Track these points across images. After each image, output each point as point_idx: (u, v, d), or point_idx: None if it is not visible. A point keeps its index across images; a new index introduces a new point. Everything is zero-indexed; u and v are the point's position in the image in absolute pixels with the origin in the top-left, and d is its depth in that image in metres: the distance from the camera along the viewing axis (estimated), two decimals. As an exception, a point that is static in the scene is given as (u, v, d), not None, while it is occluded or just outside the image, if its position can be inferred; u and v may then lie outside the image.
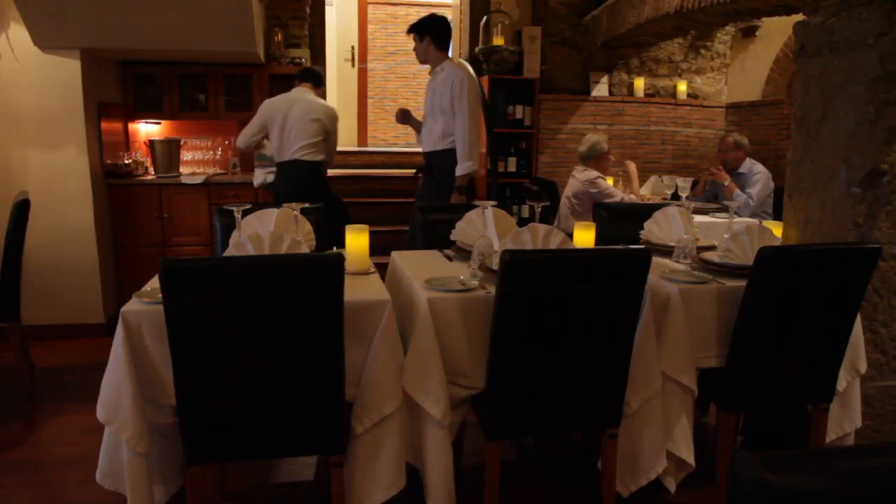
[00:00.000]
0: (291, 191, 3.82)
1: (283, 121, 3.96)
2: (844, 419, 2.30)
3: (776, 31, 5.97)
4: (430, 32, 3.61)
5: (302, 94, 4.08)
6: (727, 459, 2.15)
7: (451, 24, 4.12)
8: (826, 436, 2.24)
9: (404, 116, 3.80)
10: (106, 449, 1.83)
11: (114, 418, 1.75)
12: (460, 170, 3.58)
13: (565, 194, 4.12)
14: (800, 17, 2.61)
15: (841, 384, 2.22)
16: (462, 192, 3.62)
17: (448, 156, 3.63)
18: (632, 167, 4.31)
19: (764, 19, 5.35)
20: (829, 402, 2.20)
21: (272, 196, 4.18)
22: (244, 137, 4.05)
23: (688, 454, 2.13)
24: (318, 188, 4.06)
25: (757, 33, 6.10)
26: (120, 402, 1.74)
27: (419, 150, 3.93)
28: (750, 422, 2.69)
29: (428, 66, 3.74)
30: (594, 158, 4.02)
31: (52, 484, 2.39)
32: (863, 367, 2.28)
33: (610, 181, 4.16)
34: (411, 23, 3.69)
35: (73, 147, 3.86)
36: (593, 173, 3.97)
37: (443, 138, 3.63)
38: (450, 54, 3.80)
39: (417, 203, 3.04)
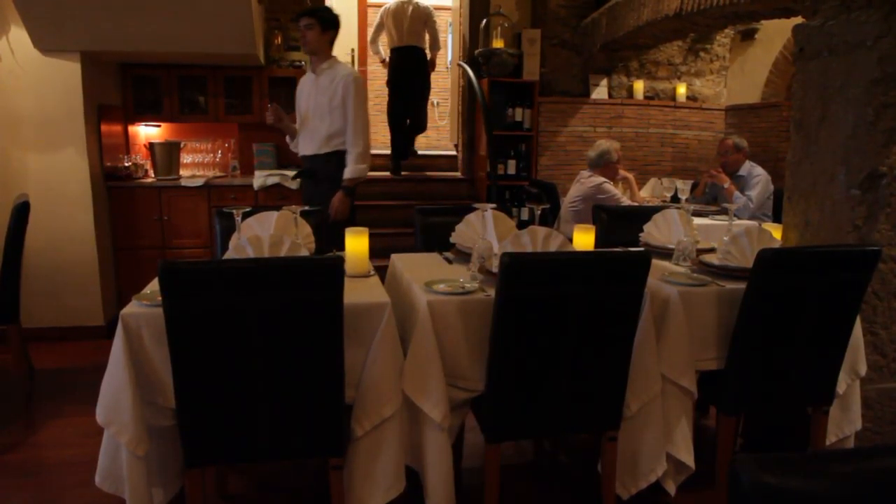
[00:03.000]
0: (406, 69, 5.61)
1: (400, 18, 5.53)
2: (844, 421, 2.30)
3: (775, 33, 5.97)
4: (333, 27, 3.35)
5: None
6: (727, 462, 2.15)
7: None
8: (826, 438, 2.24)
9: (277, 116, 3.42)
10: (105, 451, 1.82)
11: (113, 421, 1.75)
12: (352, 172, 3.36)
13: (569, 198, 4.10)
14: (799, 19, 2.62)
15: (841, 386, 2.22)
16: (349, 194, 3.38)
17: (333, 159, 3.39)
18: (630, 175, 4.32)
19: (763, 22, 5.35)
20: (828, 405, 2.20)
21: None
22: (371, 36, 5.91)
23: (687, 456, 2.13)
24: (425, 70, 5.71)
25: (756, 36, 6.10)
26: (119, 404, 1.74)
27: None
28: (750, 424, 2.69)
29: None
30: (601, 166, 4.01)
31: (51, 486, 2.39)
32: (863, 370, 2.28)
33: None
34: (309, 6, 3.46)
35: (73, 149, 3.86)
36: (600, 179, 3.96)
37: (328, 141, 3.38)
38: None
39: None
